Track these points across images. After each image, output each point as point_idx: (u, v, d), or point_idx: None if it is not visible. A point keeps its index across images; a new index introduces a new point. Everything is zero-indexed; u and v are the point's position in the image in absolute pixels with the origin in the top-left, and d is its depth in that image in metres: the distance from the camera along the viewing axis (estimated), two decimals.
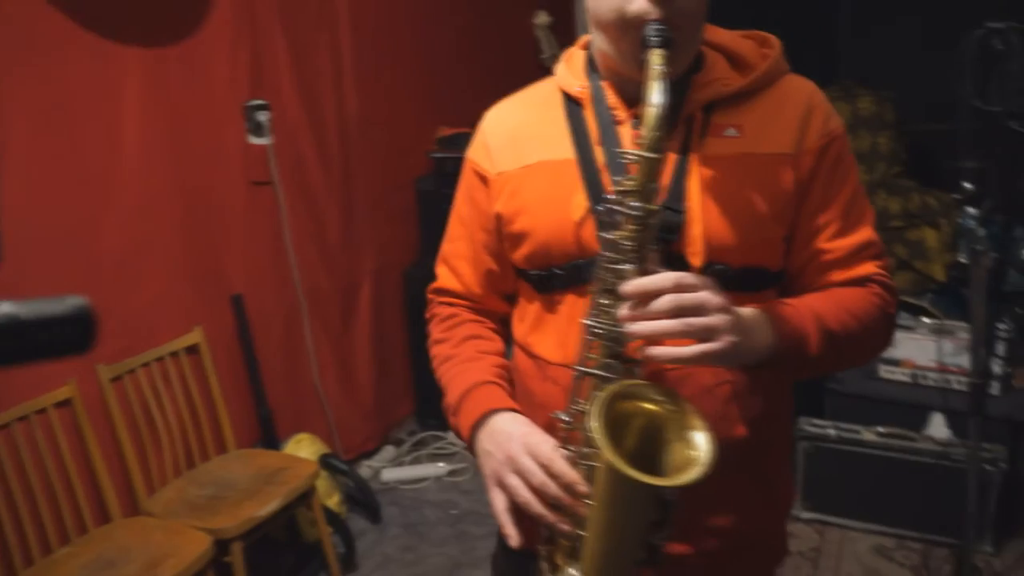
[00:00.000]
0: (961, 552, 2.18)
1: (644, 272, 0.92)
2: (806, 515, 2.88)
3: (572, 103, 1.12)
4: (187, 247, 2.59)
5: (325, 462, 2.90)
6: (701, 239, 1.01)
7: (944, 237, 3.43)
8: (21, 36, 2.09)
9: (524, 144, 1.13)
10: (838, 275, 1.07)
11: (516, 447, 1.02)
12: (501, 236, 1.15)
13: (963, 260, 2.14)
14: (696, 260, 1.02)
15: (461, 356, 1.19)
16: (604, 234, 0.96)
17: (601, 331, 0.96)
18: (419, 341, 3.53)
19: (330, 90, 3.07)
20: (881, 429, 2.75)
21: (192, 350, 2.60)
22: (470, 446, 1.12)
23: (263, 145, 2.80)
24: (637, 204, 0.92)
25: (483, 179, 1.17)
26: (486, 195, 1.16)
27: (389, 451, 3.50)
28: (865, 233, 1.08)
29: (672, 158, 1.03)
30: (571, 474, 0.96)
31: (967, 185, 2.50)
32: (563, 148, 1.09)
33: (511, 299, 1.22)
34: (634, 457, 0.90)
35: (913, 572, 2.60)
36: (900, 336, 2.85)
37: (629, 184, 0.93)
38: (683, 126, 1.05)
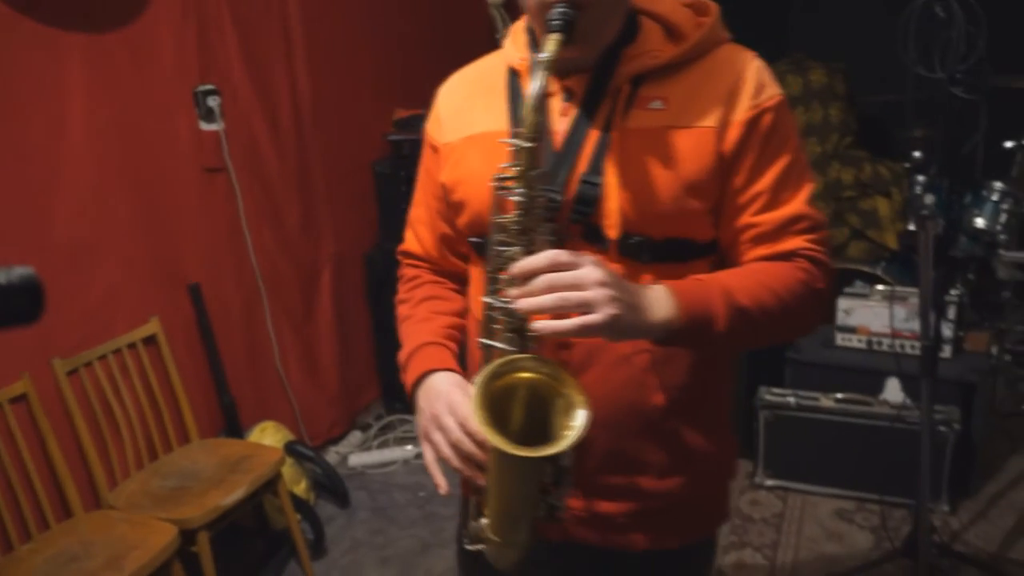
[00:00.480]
0: (918, 512, 2.24)
1: (529, 252, 0.96)
2: (769, 482, 2.94)
3: (514, 76, 1.14)
4: (141, 237, 2.54)
5: (291, 449, 2.89)
6: (617, 212, 1.03)
7: (896, 206, 3.50)
8: None
9: (468, 115, 1.16)
10: (763, 250, 1.06)
11: (441, 405, 1.09)
12: (449, 203, 1.19)
13: (912, 228, 2.19)
14: (612, 232, 1.04)
15: (416, 316, 1.26)
16: (494, 217, 1.00)
17: (498, 307, 1.01)
18: (383, 325, 3.54)
19: (282, 73, 3.02)
20: (839, 396, 2.81)
21: (150, 341, 2.56)
22: (413, 403, 1.18)
23: (215, 131, 2.76)
24: (520, 189, 0.95)
25: (434, 149, 1.22)
26: (436, 164, 1.21)
27: (356, 436, 3.49)
28: (795, 207, 1.06)
29: (596, 130, 1.05)
30: (483, 432, 1.00)
31: (916, 153, 2.56)
32: (501, 120, 1.11)
33: (468, 261, 1.26)
34: (525, 424, 0.99)
35: (873, 533, 2.68)
36: (855, 304, 2.92)
37: (512, 171, 0.96)
38: (610, 99, 1.06)
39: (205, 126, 2.74)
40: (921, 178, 2.68)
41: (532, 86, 0.94)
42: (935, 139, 2.85)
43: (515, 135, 0.96)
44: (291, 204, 3.12)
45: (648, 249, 1.04)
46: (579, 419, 0.95)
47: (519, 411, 1.02)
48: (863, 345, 2.93)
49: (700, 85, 1.06)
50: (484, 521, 1.09)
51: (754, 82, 1.05)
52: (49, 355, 2.26)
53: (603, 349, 1.06)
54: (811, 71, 3.65)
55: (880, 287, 2.96)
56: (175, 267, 2.67)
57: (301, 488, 2.86)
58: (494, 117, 1.12)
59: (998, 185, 3.00)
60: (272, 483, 2.46)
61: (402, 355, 1.22)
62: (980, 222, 3.03)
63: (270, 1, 2.95)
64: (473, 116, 1.15)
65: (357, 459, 3.32)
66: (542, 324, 0.93)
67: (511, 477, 1.02)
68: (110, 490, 2.36)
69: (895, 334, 2.80)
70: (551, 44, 0.94)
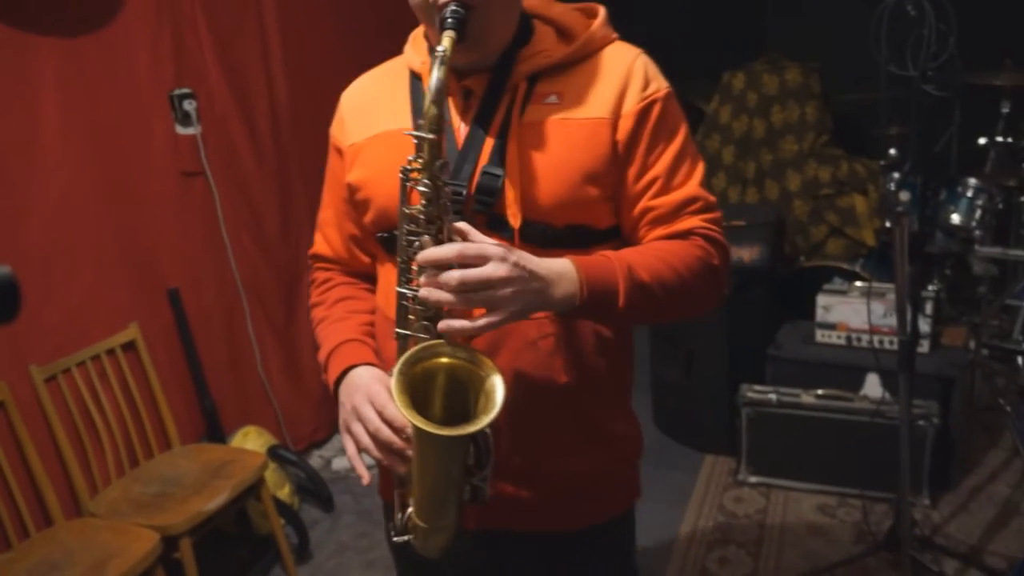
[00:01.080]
0: (899, 506, 2.26)
1: (438, 241, 1.00)
2: (752, 479, 2.96)
3: (415, 78, 1.19)
4: (118, 242, 2.52)
5: (274, 453, 2.87)
6: (517, 201, 1.08)
7: (872, 203, 3.53)
8: None
9: (371, 116, 1.21)
10: (662, 230, 1.13)
11: (360, 397, 1.12)
12: (355, 202, 1.23)
13: (888, 225, 2.21)
14: (515, 220, 1.09)
15: (332, 316, 1.29)
16: (401, 207, 1.04)
17: (411, 296, 1.05)
18: None
19: (259, 75, 3.01)
20: (820, 392, 2.83)
21: (129, 347, 2.54)
22: (336, 401, 1.21)
23: (192, 135, 2.74)
24: (425, 180, 0.99)
25: (339, 151, 1.26)
26: (341, 166, 1.25)
27: (339, 440, 3.47)
28: (689, 190, 1.13)
29: (496, 125, 1.11)
30: (400, 419, 1.05)
31: (891, 151, 2.58)
32: (403, 118, 1.16)
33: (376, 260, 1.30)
34: (445, 408, 1.03)
35: (855, 528, 2.70)
36: (834, 300, 2.94)
37: (416, 163, 1.00)
38: (508, 95, 1.12)
39: (182, 130, 2.72)
40: (896, 175, 2.71)
41: (431, 81, 0.98)
42: (909, 137, 2.88)
43: (417, 127, 1.01)
44: (270, 208, 3.10)
45: (549, 236, 1.10)
46: (497, 397, 0.99)
47: (439, 396, 1.05)
48: (843, 341, 2.95)
49: (592, 80, 1.13)
50: (409, 510, 1.12)
51: (641, 76, 1.13)
52: (26, 362, 2.23)
53: (509, 335, 1.11)
54: (787, 71, 3.68)
55: (858, 283, 2.99)
56: (153, 272, 2.66)
57: (285, 493, 2.84)
58: (397, 117, 1.17)
59: (972, 181, 3.04)
60: (255, 488, 2.44)
61: (321, 355, 1.26)
62: (955, 218, 3.07)
63: (246, 3, 2.94)
64: (376, 117, 1.20)
65: (341, 463, 3.31)
66: (447, 324, 0.99)
67: (435, 459, 1.04)
68: (91, 497, 2.33)
69: (874, 330, 2.83)
70: (446, 40, 1.00)
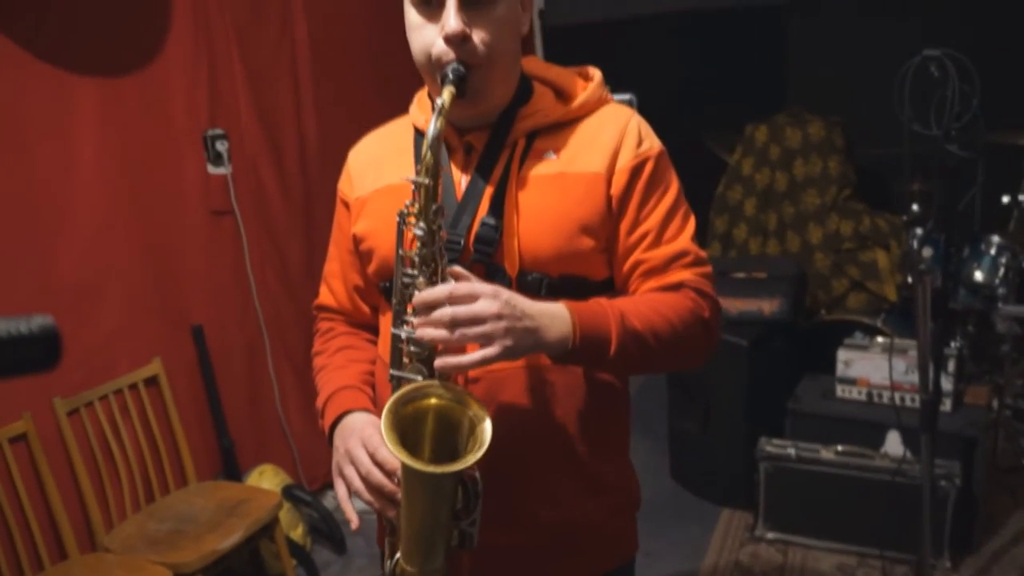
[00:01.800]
0: (919, 568, 2.22)
1: (432, 283, 1.03)
2: (769, 535, 2.91)
3: (419, 134, 1.23)
4: (147, 278, 2.56)
5: (288, 493, 2.87)
6: (515, 251, 1.12)
7: (895, 258, 3.52)
8: None
9: (377, 171, 1.25)
10: (654, 282, 1.16)
11: (354, 440, 1.14)
12: (359, 253, 1.26)
13: (910, 280, 2.21)
14: (512, 270, 1.12)
15: (332, 365, 1.31)
16: (398, 250, 1.08)
17: (405, 338, 1.07)
18: None
19: (290, 118, 3.08)
20: (840, 448, 2.79)
21: (151, 382, 2.56)
22: (330, 444, 1.22)
23: (223, 175, 2.80)
24: (421, 225, 1.03)
25: (346, 204, 1.30)
26: (347, 219, 1.29)
27: None
28: (681, 244, 1.17)
29: (495, 178, 1.15)
30: (393, 462, 1.07)
31: (913, 207, 2.58)
32: (407, 172, 1.18)
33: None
34: (434, 449, 1.04)
35: None
36: (855, 355, 2.92)
37: (412, 207, 1.04)
38: (507, 150, 1.16)
39: (213, 170, 2.79)
40: (919, 231, 2.71)
41: (429, 129, 1.02)
42: (932, 193, 2.88)
43: (415, 173, 1.04)
44: (296, 248, 3.15)
45: (545, 286, 1.12)
46: (485, 438, 1.00)
47: (428, 436, 1.06)
48: (863, 397, 2.92)
49: (588, 138, 1.17)
50: (398, 555, 1.12)
51: (635, 135, 1.18)
52: (51, 394, 2.26)
53: (505, 381, 1.13)
54: (810, 124, 3.71)
55: (880, 339, 2.97)
56: (179, 308, 2.69)
57: (298, 533, 2.83)
58: (401, 171, 1.20)
59: (996, 239, 3.03)
60: (269, 528, 2.44)
61: (319, 401, 1.28)
62: (979, 275, 3.05)
63: (280, 49, 3.02)
64: (382, 171, 1.24)
65: (355, 504, 3.29)
66: (442, 361, 1.01)
67: (422, 499, 1.05)
68: (106, 532, 2.34)
69: (895, 387, 2.80)
70: (445, 94, 1.04)
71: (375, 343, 1.33)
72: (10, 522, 2.12)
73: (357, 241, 1.25)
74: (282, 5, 3.03)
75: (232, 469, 2.81)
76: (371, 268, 1.23)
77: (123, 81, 2.47)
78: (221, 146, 2.77)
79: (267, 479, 2.88)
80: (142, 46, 2.54)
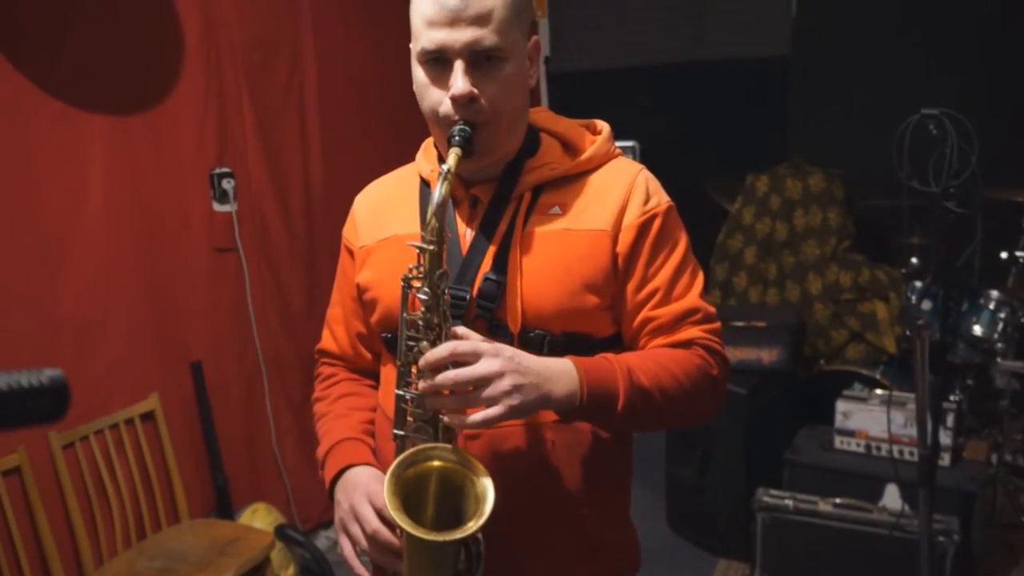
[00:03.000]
0: None
1: (436, 346, 1.02)
2: None
3: (424, 184, 1.23)
4: (148, 312, 2.57)
5: (281, 532, 2.84)
6: (518, 307, 1.11)
7: (894, 310, 3.53)
8: None
9: (382, 220, 1.25)
10: (663, 339, 1.15)
11: (359, 497, 1.12)
12: (362, 302, 1.25)
13: (909, 333, 2.21)
14: (514, 326, 1.11)
15: (334, 412, 1.30)
16: (402, 314, 1.07)
17: (410, 399, 1.07)
18: None
19: (296, 159, 3.12)
20: (838, 500, 2.77)
21: (147, 417, 2.56)
22: (331, 498, 1.21)
23: (228, 212, 2.83)
24: (425, 289, 1.03)
25: (350, 252, 1.30)
26: (352, 267, 1.29)
27: None
28: (690, 301, 1.16)
29: (499, 233, 1.14)
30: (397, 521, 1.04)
31: (912, 260, 2.60)
32: (412, 224, 1.19)
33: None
34: (437, 511, 1.04)
35: None
36: (853, 407, 2.91)
37: (417, 271, 1.04)
38: (513, 203, 1.15)
39: (218, 207, 2.81)
40: (918, 284, 2.72)
41: (434, 195, 1.02)
42: (931, 247, 2.90)
43: (421, 239, 1.04)
44: (297, 286, 3.16)
45: (548, 343, 1.11)
46: (487, 502, 0.99)
47: (432, 499, 1.06)
48: (862, 449, 2.91)
49: (594, 193, 1.16)
50: None
51: (643, 191, 1.17)
52: (46, 428, 2.26)
53: (506, 440, 1.11)
54: (811, 176, 3.75)
55: (879, 391, 2.96)
56: (178, 344, 2.70)
57: (289, 573, 2.80)
58: (406, 221, 1.20)
59: (995, 294, 3.05)
60: (260, 568, 2.42)
61: (320, 451, 1.26)
62: (978, 330, 3.06)
63: (289, 92, 3.07)
64: (387, 221, 1.24)
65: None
66: (452, 418, 1.01)
67: (425, 563, 1.05)
68: (95, 569, 2.32)
69: (894, 440, 2.79)
70: (452, 157, 1.05)
71: (376, 389, 1.32)
72: None
73: (361, 290, 1.24)
74: (292, 49, 3.09)
75: (225, 506, 2.79)
76: (374, 318, 1.22)
77: (133, 119, 2.50)
78: (227, 184, 2.80)
79: (260, 518, 2.85)
80: (153, 85, 2.58)
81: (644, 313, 1.15)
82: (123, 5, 2.45)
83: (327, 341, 1.38)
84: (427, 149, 1.28)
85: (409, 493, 1.02)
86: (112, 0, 2.41)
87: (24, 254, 2.22)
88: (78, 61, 2.32)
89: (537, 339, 1.11)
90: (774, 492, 2.86)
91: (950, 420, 2.72)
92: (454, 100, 1.07)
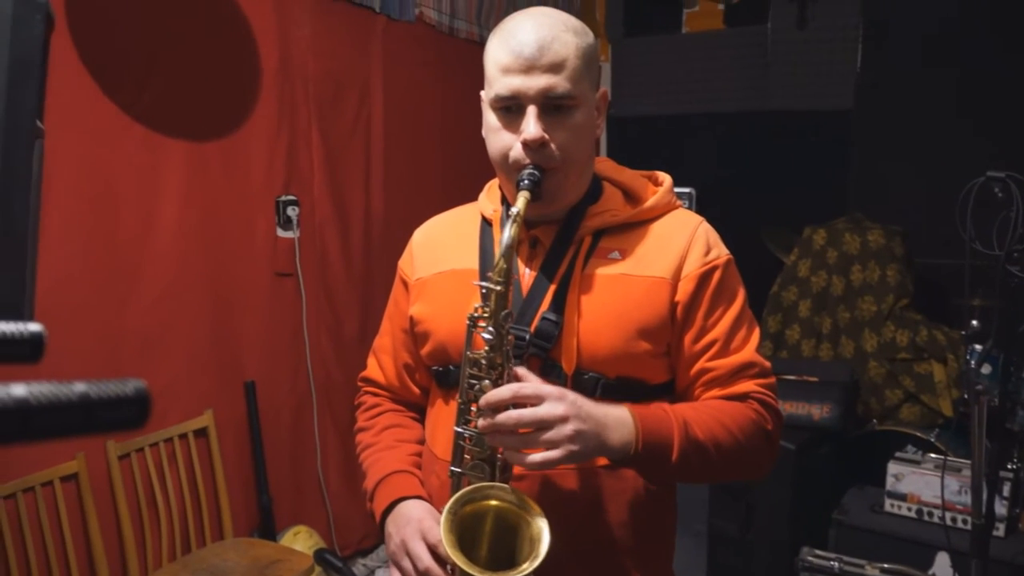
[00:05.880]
0: None
1: (498, 385, 1.03)
2: None
3: (485, 223, 1.25)
4: (208, 331, 2.66)
5: (320, 557, 2.87)
6: (573, 349, 1.11)
7: (952, 372, 3.44)
8: (78, 123, 2.23)
9: (440, 254, 1.27)
10: (718, 391, 1.15)
11: (411, 532, 1.13)
12: (414, 334, 1.26)
13: (966, 397, 2.16)
14: (568, 367, 1.11)
15: (380, 444, 1.30)
16: (466, 352, 1.08)
17: (468, 436, 1.08)
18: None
19: (359, 192, 3.21)
20: (885, 566, 2.69)
21: (201, 433, 2.63)
22: (381, 530, 1.21)
23: (291, 238, 2.92)
24: (491, 329, 1.05)
25: (405, 284, 1.32)
26: (406, 298, 1.30)
27: (384, 550, 3.45)
28: (747, 355, 1.16)
29: (559, 274, 1.15)
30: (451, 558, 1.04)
31: (973, 322, 2.54)
32: (470, 260, 1.22)
33: (427, 392, 1.32)
34: (491, 551, 1.04)
35: None
36: (906, 470, 2.84)
37: (483, 311, 1.05)
38: (574, 247, 1.17)
39: (282, 233, 2.90)
40: (977, 348, 2.66)
41: (504, 236, 1.04)
42: (992, 310, 2.83)
43: (487, 279, 1.06)
44: (352, 313, 3.23)
45: (601, 386, 1.12)
46: (543, 544, 1.00)
47: (486, 538, 1.06)
48: (913, 514, 2.82)
49: (654, 242, 1.18)
50: None
51: (703, 242, 1.18)
52: (105, 438, 2.33)
53: (551, 482, 1.11)
54: (870, 232, 3.70)
55: (933, 455, 2.88)
56: (235, 363, 2.77)
57: None
58: (464, 258, 1.23)
59: None
60: None
61: (368, 483, 1.27)
62: None
63: (356, 127, 3.18)
64: (444, 256, 1.26)
65: (384, 574, 3.28)
66: (513, 457, 1.02)
67: None
68: None
69: (947, 506, 2.71)
70: (521, 201, 1.07)
71: (420, 422, 1.33)
72: (51, 559, 2.17)
73: (414, 323, 1.26)
74: (362, 86, 3.20)
75: (268, 527, 2.83)
76: (425, 350, 1.24)
77: (209, 145, 2.61)
78: (292, 211, 2.89)
79: (301, 541, 2.89)
80: (230, 113, 2.69)
81: (701, 364, 1.15)
82: (207, 38, 2.58)
83: (373, 370, 1.39)
84: (491, 190, 1.30)
85: (464, 531, 1.03)
86: (197, 33, 2.54)
87: (99, 271, 2.32)
88: (162, 89, 2.44)
89: (591, 382, 1.11)
90: (820, 552, 2.79)
91: (1006, 489, 2.64)
92: (526, 144, 1.09)
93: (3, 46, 1.23)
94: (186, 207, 2.54)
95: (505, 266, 1.04)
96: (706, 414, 1.10)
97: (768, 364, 1.18)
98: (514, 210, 1.06)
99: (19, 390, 0.41)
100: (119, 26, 2.31)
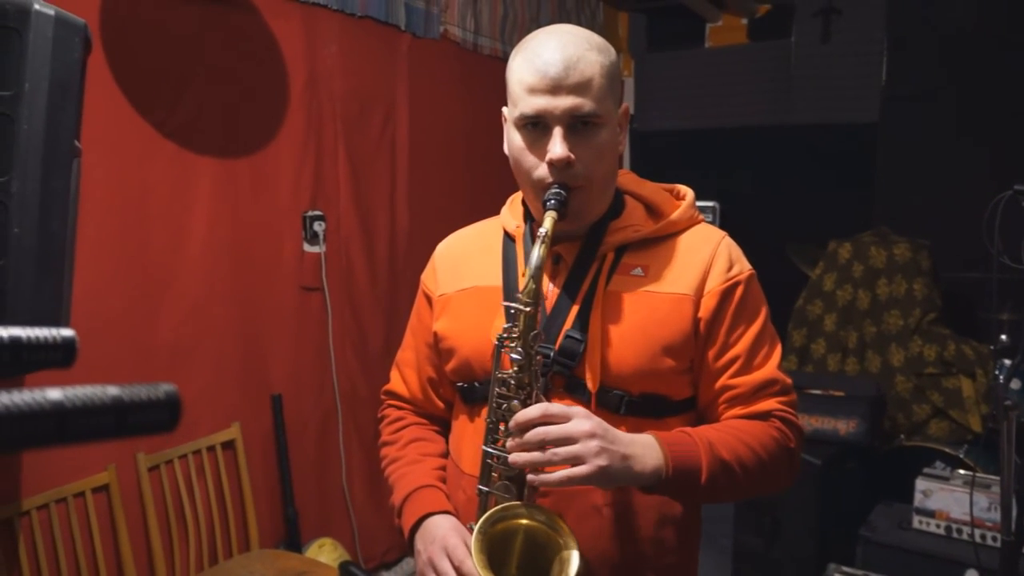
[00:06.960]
0: None
1: (526, 404, 1.04)
2: None
3: (508, 239, 1.25)
4: (236, 345, 2.70)
5: (345, 569, 2.88)
6: (597, 366, 1.11)
7: (981, 387, 3.40)
8: (112, 141, 2.28)
9: (463, 270, 1.27)
10: (740, 409, 1.14)
11: (437, 548, 1.13)
12: (438, 350, 1.27)
13: (995, 412, 2.14)
14: (592, 385, 1.11)
15: (405, 458, 1.30)
16: (495, 372, 1.08)
17: (496, 455, 1.08)
18: None
19: (384, 207, 3.25)
20: None
21: (228, 445, 2.66)
22: (410, 546, 1.21)
23: (317, 253, 2.96)
24: (519, 349, 1.05)
25: (428, 299, 1.32)
26: (429, 313, 1.31)
27: (408, 564, 3.46)
28: (768, 372, 1.16)
29: (582, 292, 1.15)
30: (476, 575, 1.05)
31: (1002, 337, 2.51)
32: (494, 276, 1.22)
33: (451, 406, 1.32)
34: (520, 570, 1.04)
35: None
36: (934, 486, 2.80)
37: (512, 331, 1.06)
38: (596, 263, 1.17)
39: (308, 248, 2.95)
40: (1006, 362, 2.62)
41: (532, 257, 1.05)
42: (1021, 324, 2.80)
43: (515, 299, 1.06)
44: (377, 328, 3.26)
45: (625, 403, 1.12)
46: (572, 567, 1.00)
47: (515, 557, 1.07)
48: (941, 531, 2.79)
49: (677, 257, 1.18)
50: None
51: (726, 257, 1.18)
52: (135, 449, 2.38)
53: (574, 498, 1.11)
54: (896, 245, 3.67)
55: (962, 471, 2.85)
56: (262, 376, 2.81)
57: None
58: (488, 274, 1.23)
59: None
60: None
61: (396, 498, 1.27)
62: None
63: (381, 145, 3.22)
64: (468, 271, 1.26)
65: None
66: (535, 476, 1.02)
67: None
68: None
69: (976, 523, 2.67)
70: (548, 221, 1.07)
71: (444, 435, 1.34)
72: (82, 569, 2.20)
73: (438, 339, 1.26)
74: (387, 104, 3.24)
75: (294, 539, 2.86)
76: (449, 366, 1.24)
77: (238, 162, 2.67)
78: (318, 227, 2.93)
79: (326, 553, 2.91)
80: (259, 131, 2.75)
81: (723, 380, 1.15)
82: (238, 58, 2.63)
83: (396, 383, 1.40)
84: (513, 204, 1.31)
85: (494, 549, 1.03)
86: (228, 53, 2.59)
87: (131, 284, 2.37)
88: (193, 108, 2.50)
89: (615, 399, 1.12)
90: (846, 569, 2.76)
91: None
92: (552, 164, 1.10)
93: (44, 68, 1.28)
94: (215, 222, 2.59)
95: (535, 287, 1.05)
96: (730, 435, 1.10)
97: (790, 380, 1.18)
98: (542, 231, 1.06)
99: (55, 394, 0.43)
100: (152, 47, 2.37)
